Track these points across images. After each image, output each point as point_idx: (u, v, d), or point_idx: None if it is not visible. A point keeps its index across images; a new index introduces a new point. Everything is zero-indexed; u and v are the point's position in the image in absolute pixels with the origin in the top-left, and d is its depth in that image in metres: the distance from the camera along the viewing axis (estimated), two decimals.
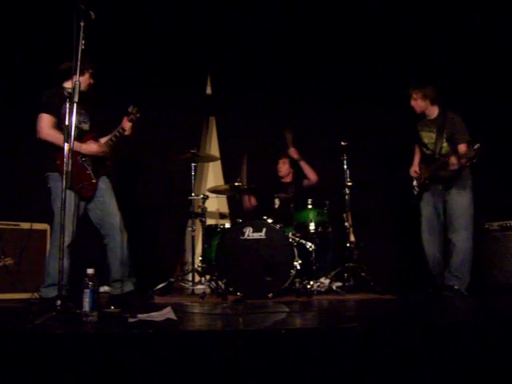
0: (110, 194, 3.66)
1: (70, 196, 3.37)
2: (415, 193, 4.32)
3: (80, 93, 3.55)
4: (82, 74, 3.55)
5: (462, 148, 3.95)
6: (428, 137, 4.22)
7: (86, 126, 3.66)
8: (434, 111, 4.20)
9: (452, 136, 4.05)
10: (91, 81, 3.71)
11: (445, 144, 4.11)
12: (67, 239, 3.34)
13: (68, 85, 3.60)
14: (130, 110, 3.74)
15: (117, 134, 3.68)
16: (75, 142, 3.35)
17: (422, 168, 4.27)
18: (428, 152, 4.23)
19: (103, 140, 3.75)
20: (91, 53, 3.89)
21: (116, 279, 3.61)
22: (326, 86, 5.48)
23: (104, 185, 3.65)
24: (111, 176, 3.80)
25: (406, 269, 5.02)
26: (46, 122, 3.46)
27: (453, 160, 3.86)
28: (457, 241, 4.01)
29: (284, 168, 5.04)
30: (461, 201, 4.05)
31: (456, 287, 3.96)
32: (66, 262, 3.30)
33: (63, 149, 3.35)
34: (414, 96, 4.15)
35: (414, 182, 4.35)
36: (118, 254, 3.59)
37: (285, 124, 5.20)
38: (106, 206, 3.60)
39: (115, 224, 3.60)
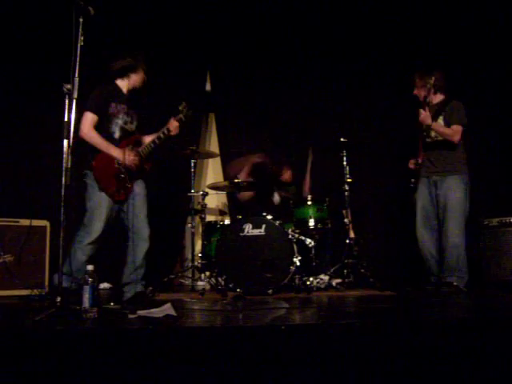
0: (143, 199, 3.61)
1: (102, 198, 3.41)
2: (412, 185, 4.28)
3: (129, 92, 3.61)
4: (135, 71, 3.59)
5: (454, 127, 3.99)
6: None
7: (131, 127, 3.61)
8: (438, 97, 4.20)
9: (449, 118, 4.05)
10: (145, 77, 3.66)
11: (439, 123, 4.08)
12: (91, 237, 3.36)
13: (122, 83, 3.61)
14: (180, 107, 3.68)
15: (161, 135, 3.61)
16: (113, 146, 3.39)
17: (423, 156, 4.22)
18: (428, 140, 4.19)
19: (147, 139, 3.69)
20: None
21: (127, 282, 3.58)
22: (326, 82, 5.48)
23: (139, 189, 3.61)
24: (147, 178, 3.74)
25: (406, 265, 5.02)
26: (88, 122, 3.41)
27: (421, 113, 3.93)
28: (449, 236, 4.02)
29: (287, 174, 5.07)
30: (454, 195, 4.05)
31: (455, 283, 3.97)
32: (83, 258, 3.33)
33: (100, 152, 3.42)
34: (418, 83, 4.15)
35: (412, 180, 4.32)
36: (135, 259, 3.56)
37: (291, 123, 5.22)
38: (138, 210, 3.56)
39: (142, 230, 3.57)
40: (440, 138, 4.11)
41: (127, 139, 3.55)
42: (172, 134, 3.65)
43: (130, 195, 3.55)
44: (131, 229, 3.56)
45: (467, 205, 4.08)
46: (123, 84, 3.62)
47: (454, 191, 4.05)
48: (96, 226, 3.40)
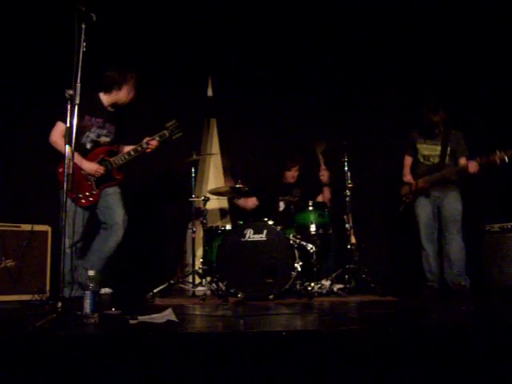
0: (117, 200, 3.68)
1: (69, 203, 3.44)
2: (407, 200, 4.49)
3: (112, 106, 3.64)
4: (118, 88, 3.63)
5: (463, 161, 4.31)
6: (430, 149, 4.43)
7: (105, 140, 3.68)
8: (440, 127, 4.42)
9: (454, 150, 4.35)
10: (131, 94, 3.71)
11: (448, 157, 4.36)
12: (67, 241, 3.35)
13: (103, 97, 3.68)
14: (168, 124, 3.77)
15: (138, 148, 3.70)
16: (78, 156, 3.43)
17: (418, 177, 4.46)
18: (427, 163, 4.45)
19: (126, 149, 3.78)
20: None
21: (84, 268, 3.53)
22: (328, 87, 5.49)
23: (111, 190, 3.67)
24: (123, 187, 3.81)
25: (407, 270, 5.02)
26: (57, 131, 3.57)
27: (473, 164, 4.11)
28: (459, 242, 4.27)
29: (295, 175, 5.01)
30: (457, 207, 4.33)
31: (464, 284, 4.20)
32: (67, 263, 3.33)
33: (63, 158, 3.43)
34: (439, 113, 4.32)
35: (404, 191, 4.52)
36: (104, 249, 3.68)
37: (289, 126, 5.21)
38: (112, 211, 3.64)
39: (117, 219, 3.68)
40: (437, 161, 4.40)
41: (100, 149, 3.65)
42: (148, 150, 3.73)
43: (101, 200, 3.67)
44: (107, 222, 3.71)
45: None
46: (105, 98, 3.69)
47: (456, 204, 4.35)
48: (68, 229, 3.38)
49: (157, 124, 4.02)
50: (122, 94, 3.68)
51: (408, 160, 4.58)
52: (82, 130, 3.53)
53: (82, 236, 3.61)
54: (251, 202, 5.04)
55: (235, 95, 5.50)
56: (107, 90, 3.69)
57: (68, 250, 3.36)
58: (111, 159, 3.69)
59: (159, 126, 3.92)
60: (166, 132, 3.77)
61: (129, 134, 4.07)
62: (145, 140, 3.77)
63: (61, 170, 3.53)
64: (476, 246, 4.58)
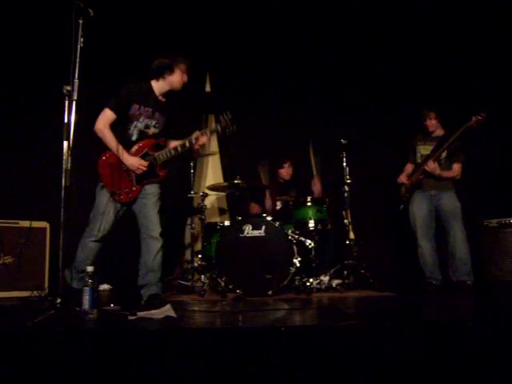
0: (154, 199, 3.48)
1: (104, 196, 3.33)
2: (404, 198, 4.50)
3: (164, 95, 3.45)
4: (170, 72, 3.44)
5: (456, 167, 4.35)
6: (428, 149, 4.43)
7: (153, 131, 3.42)
8: (439, 130, 4.46)
9: (451, 154, 4.32)
10: (185, 78, 3.49)
11: (442, 158, 4.33)
12: (92, 235, 3.32)
13: (156, 85, 3.44)
14: (222, 117, 3.50)
15: (186, 143, 3.44)
16: (122, 149, 3.28)
17: (413, 174, 4.47)
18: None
19: (173, 144, 3.53)
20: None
21: (141, 285, 3.45)
22: (327, 84, 5.48)
23: (152, 189, 3.48)
24: (164, 184, 3.57)
25: (406, 266, 5.02)
26: (104, 118, 3.30)
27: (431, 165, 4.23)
28: (462, 239, 4.22)
29: (289, 171, 5.01)
30: (456, 204, 4.30)
31: (468, 282, 4.15)
32: (81, 254, 3.33)
33: (108, 151, 3.31)
34: (431, 116, 4.41)
35: (401, 191, 4.54)
36: (146, 260, 3.47)
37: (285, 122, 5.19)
38: (147, 209, 3.45)
39: (151, 228, 3.47)
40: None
41: (145, 141, 3.41)
42: (197, 147, 3.48)
43: (141, 195, 3.44)
44: (141, 228, 3.48)
45: None
46: (157, 85, 3.45)
47: (455, 201, 4.32)
48: (97, 224, 3.31)
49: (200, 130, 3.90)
50: (175, 78, 3.43)
51: (409, 167, 4.58)
52: (130, 118, 3.32)
53: (108, 233, 3.38)
54: (255, 210, 5.02)
55: (234, 91, 5.49)
56: (159, 76, 3.42)
57: (91, 244, 3.33)
58: (156, 154, 3.42)
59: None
60: (218, 127, 3.49)
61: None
62: (194, 135, 3.48)
63: (102, 159, 3.33)
64: (474, 241, 4.59)
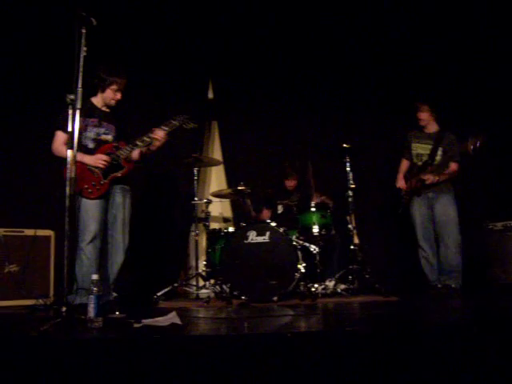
0: (124, 209, 3.57)
1: (82, 201, 3.38)
2: (404, 201, 4.49)
3: (107, 106, 3.60)
4: (102, 90, 3.59)
5: (453, 166, 4.32)
6: (423, 148, 4.44)
7: (105, 137, 3.59)
8: (433, 126, 4.45)
9: (447, 152, 4.33)
10: (118, 96, 3.60)
11: (438, 157, 4.34)
12: (86, 236, 3.34)
13: (94, 100, 3.62)
14: (176, 117, 3.59)
15: (145, 139, 3.52)
16: (80, 154, 3.34)
17: (411, 178, 4.46)
18: (419, 163, 4.43)
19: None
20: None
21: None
22: (329, 89, 5.48)
23: (119, 198, 3.58)
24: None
25: (410, 271, 4.99)
26: (57, 140, 3.54)
27: (429, 177, 4.25)
28: (455, 245, 4.22)
29: (292, 184, 5.03)
30: (452, 210, 4.29)
31: (453, 285, 4.17)
32: (86, 262, 3.32)
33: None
34: (422, 108, 4.41)
35: (402, 192, 4.53)
36: (111, 275, 3.51)
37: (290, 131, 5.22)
38: (116, 220, 3.53)
39: (118, 242, 3.53)
40: (426, 159, 4.40)
41: (104, 146, 3.56)
42: (156, 143, 3.56)
43: (112, 192, 3.55)
44: (109, 240, 3.54)
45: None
46: (96, 100, 3.64)
47: (449, 208, 4.30)
48: (88, 226, 3.36)
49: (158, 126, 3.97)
50: (107, 96, 3.60)
51: (404, 164, 4.59)
52: (79, 132, 3.45)
53: (100, 232, 3.42)
54: (266, 215, 5.02)
55: (236, 97, 5.50)
56: (96, 92, 3.64)
57: (82, 255, 3.32)
58: (117, 152, 3.56)
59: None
60: (174, 122, 3.56)
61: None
62: (152, 130, 3.57)
63: (65, 169, 3.43)
64: (479, 244, 4.57)
